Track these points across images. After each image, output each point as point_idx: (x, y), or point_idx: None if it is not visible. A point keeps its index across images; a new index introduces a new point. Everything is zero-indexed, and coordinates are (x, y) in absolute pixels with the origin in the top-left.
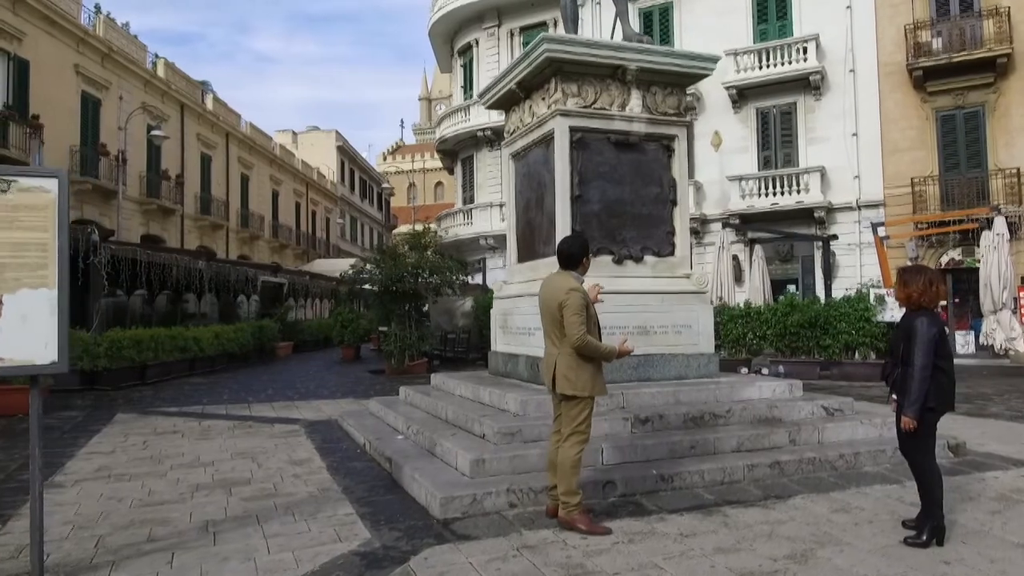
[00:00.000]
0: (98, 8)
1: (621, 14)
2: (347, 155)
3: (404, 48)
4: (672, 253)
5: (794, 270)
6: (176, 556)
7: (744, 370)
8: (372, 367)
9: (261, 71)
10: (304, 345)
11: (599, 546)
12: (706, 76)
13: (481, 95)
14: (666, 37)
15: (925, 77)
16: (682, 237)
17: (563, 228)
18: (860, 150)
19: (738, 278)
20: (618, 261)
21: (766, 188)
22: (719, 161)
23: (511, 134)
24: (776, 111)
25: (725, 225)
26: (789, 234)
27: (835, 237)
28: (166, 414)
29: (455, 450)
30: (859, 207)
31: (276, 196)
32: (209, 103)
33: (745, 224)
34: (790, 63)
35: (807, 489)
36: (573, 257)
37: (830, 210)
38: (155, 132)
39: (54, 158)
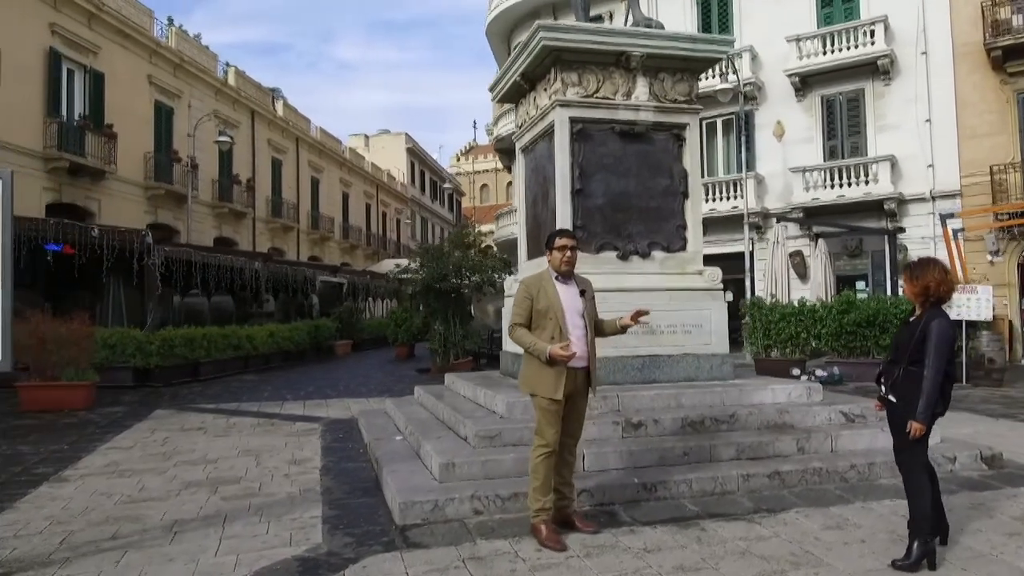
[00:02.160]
0: (171, 20)
1: None
2: (417, 156)
3: (480, 50)
4: (683, 248)
5: (863, 266)
6: (127, 555)
7: (796, 371)
8: (422, 365)
9: (343, 78)
10: (364, 343)
11: (550, 560)
12: (719, 60)
13: (491, 89)
14: (725, 25)
15: (1005, 57)
16: (694, 231)
17: (563, 223)
18: (934, 137)
19: (802, 274)
20: (623, 257)
21: (832, 179)
22: (782, 152)
23: (519, 128)
24: (842, 98)
25: (780, 219)
26: (854, 228)
27: (902, 230)
28: (201, 410)
29: (432, 453)
30: (933, 198)
31: (346, 198)
32: (279, 109)
33: (810, 218)
34: (857, 47)
35: (806, 502)
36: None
37: (901, 202)
38: (221, 138)
39: (129, 165)
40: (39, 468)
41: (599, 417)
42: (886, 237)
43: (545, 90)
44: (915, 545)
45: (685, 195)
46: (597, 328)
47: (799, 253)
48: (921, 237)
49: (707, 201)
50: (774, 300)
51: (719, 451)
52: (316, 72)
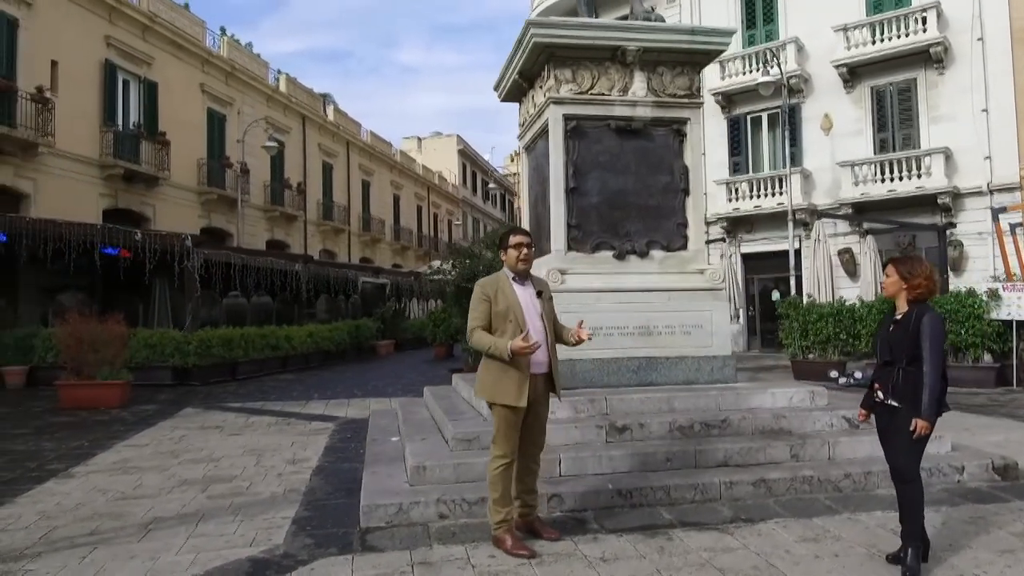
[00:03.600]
0: (223, 30)
1: None
2: (468, 158)
3: None
4: (684, 247)
5: None
6: (95, 551)
7: (834, 373)
8: (458, 366)
9: (405, 82)
10: (407, 344)
11: (500, 567)
12: (721, 52)
13: (495, 88)
14: (769, 16)
15: None
16: (696, 229)
17: (558, 223)
18: (991, 127)
19: (852, 272)
20: (619, 256)
21: (882, 173)
22: (830, 146)
23: (521, 127)
24: (893, 89)
25: (822, 216)
26: (902, 223)
27: (952, 225)
28: (226, 409)
29: (408, 455)
30: (991, 191)
31: (397, 200)
32: (330, 114)
33: (859, 214)
34: (908, 35)
35: (790, 512)
36: None
37: (956, 196)
38: (268, 143)
39: (183, 171)
40: (53, 464)
41: (584, 421)
42: (936, 233)
43: (541, 87)
44: (910, 552)
45: (686, 192)
46: (556, 333)
47: (848, 251)
48: (978, 233)
49: (752, 198)
50: (811, 299)
51: (706, 457)
52: (379, 77)
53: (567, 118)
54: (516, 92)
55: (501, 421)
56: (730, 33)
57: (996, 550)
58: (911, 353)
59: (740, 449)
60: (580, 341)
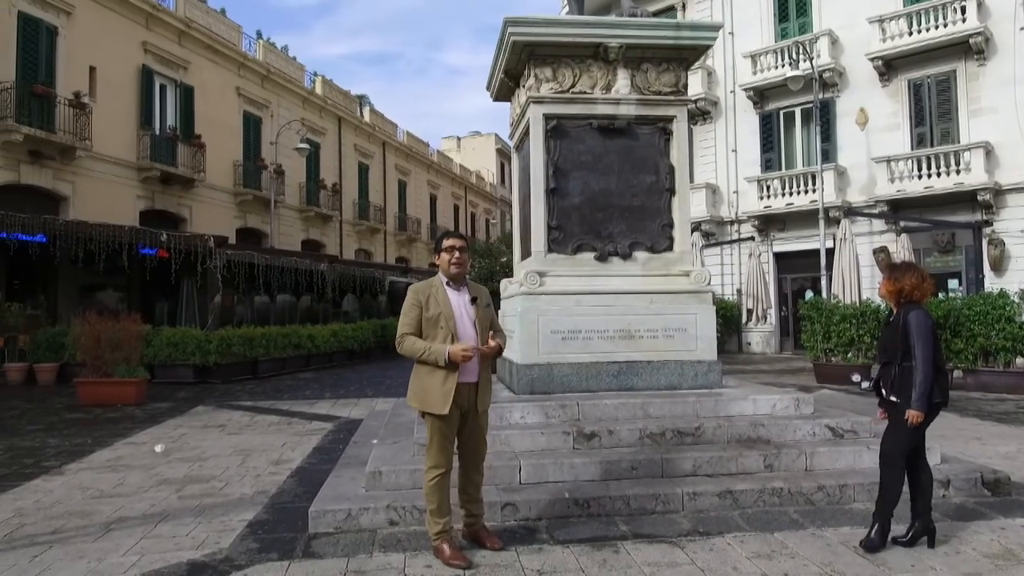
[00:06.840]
0: (259, 34)
1: None
2: (506, 157)
3: None
4: (670, 248)
5: (956, 263)
6: (49, 551)
7: (856, 377)
8: None
9: (451, 83)
10: None
11: None
12: (708, 47)
13: (487, 88)
14: (803, 9)
15: None
16: (682, 230)
17: (538, 224)
18: None
19: None
20: (601, 258)
21: (919, 169)
22: (865, 142)
23: (511, 127)
24: (931, 82)
25: (848, 214)
26: (936, 221)
27: (988, 223)
28: (235, 408)
29: (369, 459)
30: None
31: (434, 200)
32: (366, 115)
33: (896, 211)
34: (946, 26)
35: (752, 526)
36: None
37: (998, 192)
38: (300, 145)
39: (219, 172)
40: (49, 461)
41: (553, 427)
42: (972, 231)
43: (524, 86)
44: (875, 528)
45: (672, 192)
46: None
47: (884, 249)
48: (1021, 231)
49: (784, 195)
50: (836, 300)
51: (673, 466)
52: (426, 78)
53: (547, 117)
54: (505, 91)
55: (434, 431)
56: (717, 28)
57: (960, 572)
58: (903, 350)
59: (711, 458)
60: (498, 351)
